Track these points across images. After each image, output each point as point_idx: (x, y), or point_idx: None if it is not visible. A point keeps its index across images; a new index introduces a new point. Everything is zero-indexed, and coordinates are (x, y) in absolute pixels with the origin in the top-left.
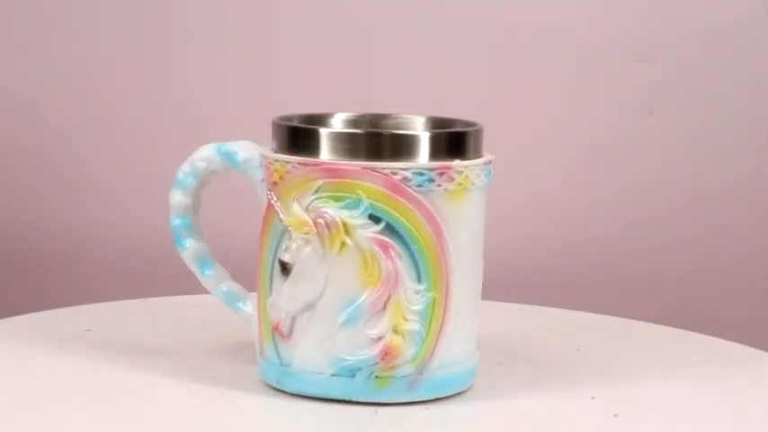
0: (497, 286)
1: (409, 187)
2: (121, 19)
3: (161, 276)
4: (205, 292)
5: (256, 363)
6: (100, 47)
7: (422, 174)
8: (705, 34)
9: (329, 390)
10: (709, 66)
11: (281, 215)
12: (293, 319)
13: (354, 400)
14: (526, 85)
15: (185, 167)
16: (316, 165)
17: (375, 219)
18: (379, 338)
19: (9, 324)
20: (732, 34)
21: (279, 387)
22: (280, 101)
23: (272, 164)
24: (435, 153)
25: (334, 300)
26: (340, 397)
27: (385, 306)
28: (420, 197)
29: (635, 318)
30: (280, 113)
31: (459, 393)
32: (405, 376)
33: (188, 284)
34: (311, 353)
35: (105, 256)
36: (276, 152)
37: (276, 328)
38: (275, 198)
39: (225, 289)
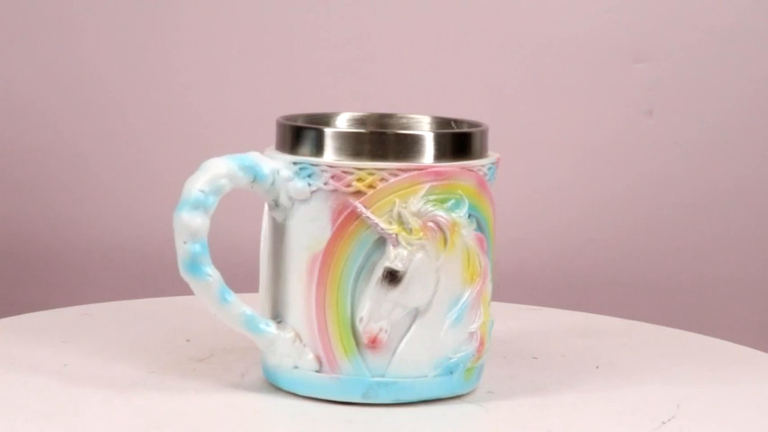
0: (497, 286)
1: (488, 183)
2: (122, 19)
3: (161, 276)
4: None
5: (301, 382)
6: (101, 47)
7: (491, 169)
8: (705, 34)
9: (431, 391)
10: (709, 66)
11: (380, 225)
12: (391, 328)
13: (452, 395)
14: (526, 86)
15: (203, 186)
16: (420, 169)
17: (470, 216)
18: (475, 333)
19: (10, 323)
20: (732, 34)
21: (366, 401)
22: (281, 101)
23: (350, 173)
24: (441, 153)
25: (443, 301)
26: (439, 396)
27: (479, 300)
28: (491, 193)
29: (635, 318)
30: (281, 113)
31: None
32: (480, 366)
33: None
34: (415, 357)
35: (107, 256)
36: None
37: (374, 341)
38: (364, 208)
39: (248, 313)
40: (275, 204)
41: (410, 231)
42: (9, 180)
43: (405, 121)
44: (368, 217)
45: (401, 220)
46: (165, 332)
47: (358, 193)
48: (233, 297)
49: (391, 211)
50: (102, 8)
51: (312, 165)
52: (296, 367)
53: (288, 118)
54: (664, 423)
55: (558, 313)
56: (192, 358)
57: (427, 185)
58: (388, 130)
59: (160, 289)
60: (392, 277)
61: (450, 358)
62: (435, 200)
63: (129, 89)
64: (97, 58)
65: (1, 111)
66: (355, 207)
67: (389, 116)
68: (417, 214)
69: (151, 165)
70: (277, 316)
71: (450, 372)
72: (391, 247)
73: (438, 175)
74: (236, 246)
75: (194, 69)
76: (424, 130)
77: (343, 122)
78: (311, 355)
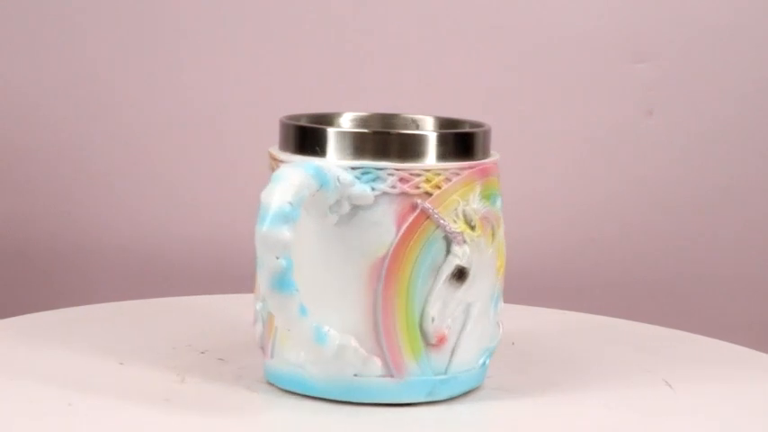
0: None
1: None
2: (124, 18)
3: (164, 277)
4: (208, 292)
5: (362, 390)
6: (103, 47)
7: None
8: (705, 34)
9: (475, 381)
10: (709, 66)
11: (448, 225)
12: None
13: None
14: (526, 86)
15: (291, 198)
16: (472, 167)
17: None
18: (500, 320)
19: (12, 324)
20: (732, 34)
21: (431, 399)
22: (283, 101)
23: (419, 174)
24: (443, 153)
25: (486, 293)
26: (479, 384)
27: (502, 288)
28: None
29: (635, 318)
30: (285, 113)
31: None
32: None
33: (191, 285)
34: (470, 351)
35: (110, 256)
36: (284, 151)
37: (441, 339)
38: (433, 209)
39: (314, 324)
40: (329, 211)
41: (473, 228)
42: (12, 180)
43: (410, 120)
44: (437, 217)
45: (465, 219)
46: (169, 333)
47: (425, 195)
48: (306, 309)
49: (456, 209)
50: (105, 7)
51: (377, 168)
52: (356, 375)
53: (291, 117)
54: (663, 422)
55: (558, 313)
56: (197, 358)
57: (480, 183)
58: (443, 131)
59: (161, 289)
60: (460, 275)
61: (489, 347)
62: (484, 196)
63: (131, 90)
64: (100, 57)
65: (3, 110)
66: (425, 209)
67: (392, 116)
68: (476, 212)
69: (152, 165)
70: (322, 325)
71: (485, 361)
72: (457, 246)
73: (485, 172)
74: (236, 246)
75: (198, 69)
76: (428, 129)
77: (346, 122)
78: (378, 361)
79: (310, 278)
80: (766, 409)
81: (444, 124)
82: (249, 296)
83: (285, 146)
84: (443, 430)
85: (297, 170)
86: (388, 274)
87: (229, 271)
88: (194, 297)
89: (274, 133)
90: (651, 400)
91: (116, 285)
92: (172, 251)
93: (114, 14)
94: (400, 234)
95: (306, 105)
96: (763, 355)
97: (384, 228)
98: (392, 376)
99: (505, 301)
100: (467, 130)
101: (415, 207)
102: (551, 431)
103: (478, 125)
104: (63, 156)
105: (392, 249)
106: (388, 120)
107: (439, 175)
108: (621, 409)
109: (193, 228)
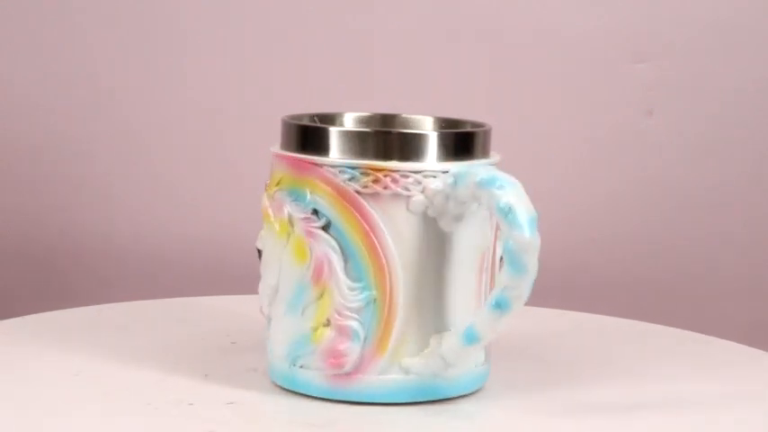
0: None
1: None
2: (124, 18)
3: (164, 277)
4: (208, 292)
5: (462, 381)
6: (106, 48)
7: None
8: (704, 34)
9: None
10: (709, 66)
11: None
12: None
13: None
14: (526, 86)
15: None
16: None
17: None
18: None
19: (15, 324)
20: (732, 34)
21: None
22: (285, 101)
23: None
24: (444, 153)
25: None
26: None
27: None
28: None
29: (635, 318)
30: (287, 114)
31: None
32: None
33: (191, 285)
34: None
35: (113, 256)
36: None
37: None
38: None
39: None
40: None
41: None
42: (12, 180)
43: (409, 120)
44: None
45: None
46: (172, 333)
47: None
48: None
49: None
50: (106, 7)
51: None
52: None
53: (293, 117)
54: (663, 422)
55: (558, 313)
56: (201, 359)
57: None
58: (392, 129)
59: (161, 289)
60: None
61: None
62: None
63: (133, 90)
64: (102, 58)
65: (4, 111)
66: None
67: (393, 116)
68: None
69: (152, 164)
70: (443, 327)
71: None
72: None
73: None
74: (236, 246)
75: (199, 69)
76: (428, 129)
77: (349, 122)
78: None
79: (421, 285)
80: (766, 409)
81: (445, 124)
82: (250, 296)
83: (287, 145)
84: (443, 430)
85: (507, 174)
86: (492, 265)
87: (229, 271)
88: (194, 298)
89: (276, 133)
90: (652, 399)
91: (116, 285)
92: (172, 251)
93: (116, 15)
94: (493, 226)
95: (307, 105)
96: (764, 354)
97: (487, 222)
98: (485, 364)
99: None
100: (468, 129)
101: None
102: (552, 431)
103: (479, 125)
104: (63, 156)
105: (491, 241)
106: (388, 120)
107: None
108: (622, 409)
109: (193, 227)
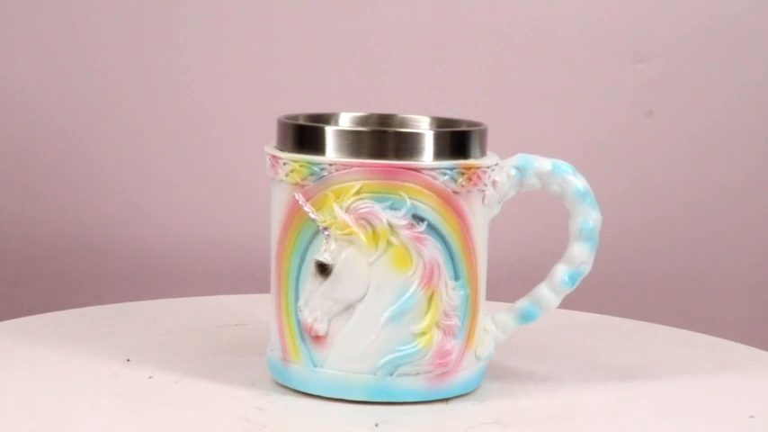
0: (495, 286)
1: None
2: (125, 17)
3: (169, 278)
4: (208, 292)
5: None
6: (105, 49)
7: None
8: (705, 34)
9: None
10: (709, 66)
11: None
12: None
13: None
14: (526, 86)
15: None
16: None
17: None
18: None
19: (15, 324)
20: (731, 34)
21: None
22: (284, 101)
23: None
24: (440, 152)
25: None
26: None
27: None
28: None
29: (635, 317)
30: (284, 113)
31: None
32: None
33: (191, 285)
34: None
35: (113, 256)
36: (283, 151)
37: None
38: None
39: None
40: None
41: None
42: (12, 180)
43: (406, 121)
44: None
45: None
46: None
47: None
48: None
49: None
50: (106, 7)
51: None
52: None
53: (289, 117)
54: (663, 421)
55: (557, 313)
56: (202, 359)
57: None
58: (389, 129)
59: (161, 289)
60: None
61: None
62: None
63: (132, 91)
64: (101, 59)
65: (4, 111)
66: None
67: (389, 116)
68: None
69: (151, 164)
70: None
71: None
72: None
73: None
74: (243, 246)
75: (199, 69)
76: (424, 128)
77: (345, 122)
78: None
79: (478, 272)
80: (766, 409)
81: (441, 124)
82: (259, 296)
83: (283, 145)
84: (443, 430)
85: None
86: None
87: (229, 271)
88: (195, 298)
89: (273, 132)
90: (652, 398)
91: (116, 285)
92: (172, 251)
93: (115, 15)
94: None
95: (303, 106)
96: (763, 353)
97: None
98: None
99: (505, 301)
100: (463, 128)
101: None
102: (552, 430)
103: (476, 124)
104: (63, 156)
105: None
106: (384, 120)
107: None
108: (622, 408)
109: (193, 227)
